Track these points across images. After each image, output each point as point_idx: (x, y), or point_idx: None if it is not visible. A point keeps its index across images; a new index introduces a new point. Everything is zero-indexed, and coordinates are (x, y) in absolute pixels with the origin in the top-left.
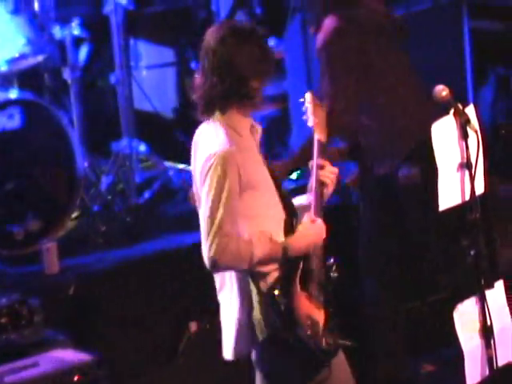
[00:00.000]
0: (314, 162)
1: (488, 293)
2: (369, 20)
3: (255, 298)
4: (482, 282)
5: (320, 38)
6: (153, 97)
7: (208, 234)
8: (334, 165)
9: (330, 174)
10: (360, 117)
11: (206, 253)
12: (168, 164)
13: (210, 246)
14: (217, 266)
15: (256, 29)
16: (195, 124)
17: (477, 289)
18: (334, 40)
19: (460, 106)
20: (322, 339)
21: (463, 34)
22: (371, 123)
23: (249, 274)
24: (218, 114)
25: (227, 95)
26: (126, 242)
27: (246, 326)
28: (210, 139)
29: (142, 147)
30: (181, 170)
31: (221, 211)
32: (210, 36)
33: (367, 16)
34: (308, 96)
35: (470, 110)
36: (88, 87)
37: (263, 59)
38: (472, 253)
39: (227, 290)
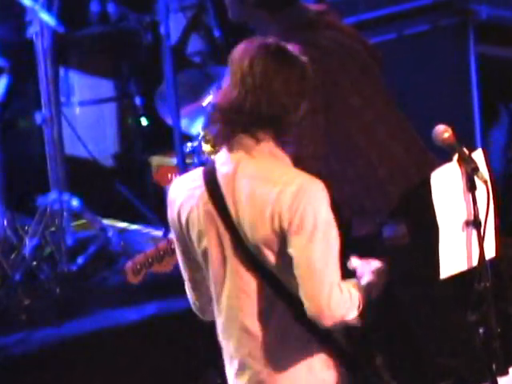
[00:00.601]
0: None
1: (501, 380)
2: (337, 45)
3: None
4: (494, 366)
5: None
6: (88, 140)
7: (325, 281)
8: None
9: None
10: (331, 163)
11: (321, 304)
12: (106, 223)
13: (330, 294)
14: (333, 318)
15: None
16: (140, 173)
17: (487, 375)
18: None
19: (466, 151)
20: None
21: (469, 62)
22: (345, 171)
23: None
24: (265, 141)
25: (274, 121)
26: (55, 319)
27: None
28: (271, 168)
29: (75, 202)
30: (122, 230)
31: (334, 253)
32: (255, 52)
33: (335, 40)
34: None
35: (478, 156)
36: (8, 128)
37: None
38: (481, 331)
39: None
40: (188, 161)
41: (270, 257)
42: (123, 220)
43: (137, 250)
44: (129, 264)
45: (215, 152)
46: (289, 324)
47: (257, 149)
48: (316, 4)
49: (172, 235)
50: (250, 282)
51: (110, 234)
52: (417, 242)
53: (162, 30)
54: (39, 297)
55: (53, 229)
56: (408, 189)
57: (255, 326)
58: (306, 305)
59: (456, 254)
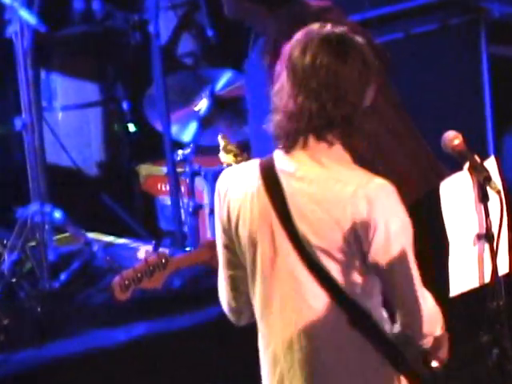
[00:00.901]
0: None
1: None
2: None
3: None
4: None
5: (278, 70)
6: (71, 148)
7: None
8: None
9: None
10: None
11: (421, 324)
12: (91, 236)
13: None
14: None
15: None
16: (127, 183)
17: None
18: None
19: (477, 159)
20: None
21: (481, 64)
22: None
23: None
24: (335, 143)
25: (344, 122)
26: (36, 340)
27: None
28: (340, 169)
29: (57, 214)
30: (108, 245)
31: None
32: (315, 47)
33: None
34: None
35: (491, 164)
36: None
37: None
38: (495, 352)
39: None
40: (179, 170)
41: (333, 259)
42: (109, 233)
43: (124, 266)
44: (116, 279)
45: (237, 162)
46: (345, 330)
47: (325, 152)
48: (319, 0)
49: (216, 227)
50: (306, 284)
51: (95, 248)
52: (424, 257)
53: (151, 29)
54: (19, 316)
55: (33, 243)
56: (415, 200)
57: (311, 331)
58: (401, 314)
59: (467, 269)
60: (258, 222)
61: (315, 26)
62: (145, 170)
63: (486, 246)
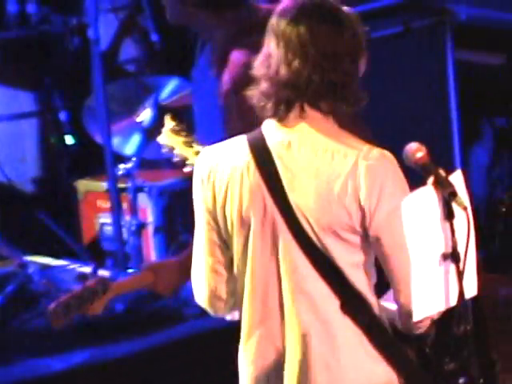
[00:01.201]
0: None
1: None
2: None
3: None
4: None
5: (225, 80)
6: (4, 162)
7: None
8: None
9: None
10: None
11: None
12: (27, 258)
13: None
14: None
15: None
16: (65, 200)
17: None
18: (244, 82)
19: (443, 173)
20: None
21: (446, 70)
22: None
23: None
24: (330, 113)
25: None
26: None
27: None
28: (338, 139)
29: None
30: (45, 267)
31: None
32: (309, 14)
33: None
34: None
35: (457, 178)
36: None
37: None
38: (461, 381)
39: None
40: (121, 185)
41: (334, 236)
42: (46, 254)
43: (62, 289)
44: (52, 306)
45: (187, 144)
46: (337, 316)
47: (321, 120)
48: (270, 4)
49: (197, 210)
50: (300, 265)
51: (31, 270)
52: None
53: (91, 33)
54: None
55: None
56: None
57: (301, 316)
58: (401, 296)
59: (431, 292)
60: (249, 201)
61: None
62: (84, 185)
63: (452, 267)
